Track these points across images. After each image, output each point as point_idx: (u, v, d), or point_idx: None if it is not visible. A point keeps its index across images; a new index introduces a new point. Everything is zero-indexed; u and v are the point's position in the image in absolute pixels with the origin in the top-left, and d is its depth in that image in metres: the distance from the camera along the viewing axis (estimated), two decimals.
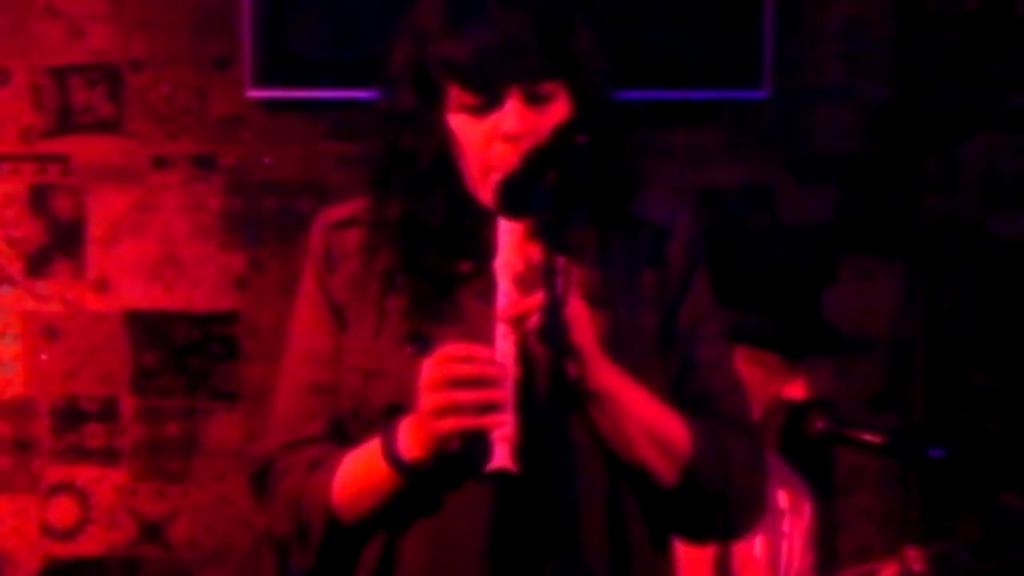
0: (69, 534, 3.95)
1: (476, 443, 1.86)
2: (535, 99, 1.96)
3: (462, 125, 1.98)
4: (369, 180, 2.07)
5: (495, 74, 1.94)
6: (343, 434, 2.05)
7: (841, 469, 3.87)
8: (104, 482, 3.94)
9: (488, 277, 1.90)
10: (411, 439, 1.92)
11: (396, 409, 1.96)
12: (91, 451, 3.94)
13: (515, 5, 1.94)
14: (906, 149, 3.89)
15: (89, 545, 3.94)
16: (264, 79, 3.84)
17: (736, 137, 3.90)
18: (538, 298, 1.82)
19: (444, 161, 2.01)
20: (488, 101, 1.96)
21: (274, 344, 2.29)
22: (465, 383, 1.85)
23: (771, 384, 2.90)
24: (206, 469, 3.93)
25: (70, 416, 3.94)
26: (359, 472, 1.99)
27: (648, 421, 1.96)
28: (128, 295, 3.94)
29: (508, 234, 1.90)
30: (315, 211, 2.16)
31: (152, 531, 3.94)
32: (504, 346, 1.86)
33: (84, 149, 3.95)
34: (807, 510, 2.98)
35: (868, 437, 2.94)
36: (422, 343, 1.97)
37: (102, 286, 3.95)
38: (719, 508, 2.02)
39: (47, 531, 3.95)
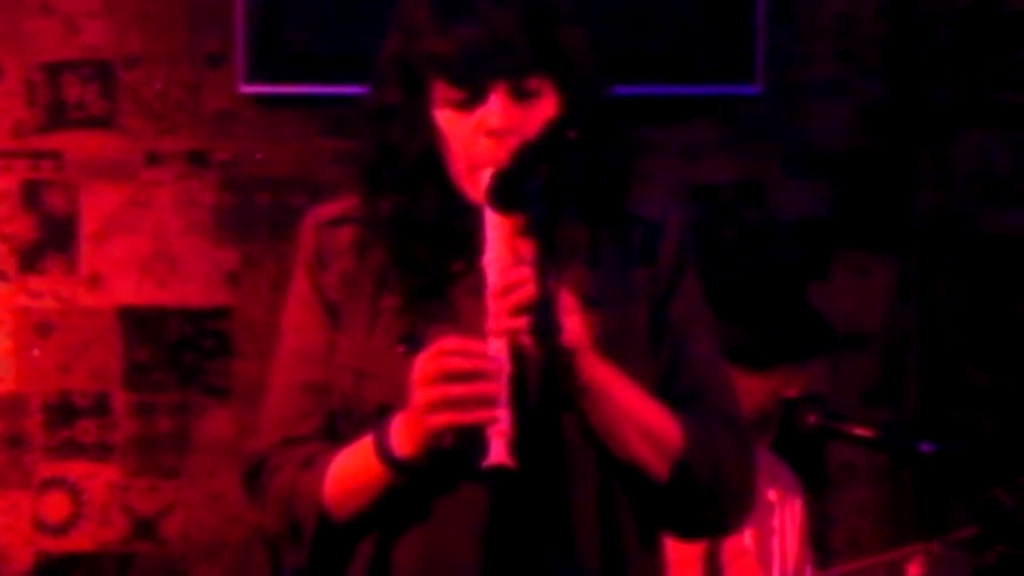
0: (61, 530, 3.95)
1: (469, 440, 1.85)
2: (521, 94, 1.95)
3: (448, 121, 1.98)
4: (359, 177, 2.06)
5: (479, 69, 1.93)
6: (336, 433, 2.04)
7: (834, 464, 3.88)
8: (97, 478, 3.94)
9: (479, 274, 1.90)
10: (404, 435, 1.92)
11: (387, 409, 1.95)
12: (84, 447, 3.94)
13: (501, 1, 1.93)
14: (899, 145, 3.89)
15: (82, 541, 3.94)
16: (257, 75, 3.83)
17: (729, 133, 3.90)
18: (525, 289, 1.81)
19: (433, 157, 2.00)
20: (473, 96, 1.95)
21: (267, 340, 2.29)
22: (459, 377, 1.84)
23: (772, 388, 2.91)
24: (199, 465, 3.93)
25: (63, 412, 3.94)
26: (351, 469, 1.98)
27: (640, 416, 1.96)
28: (121, 291, 3.94)
29: (496, 229, 1.89)
30: (308, 207, 2.16)
31: (145, 527, 3.94)
32: (496, 341, 1.85)
33: (77, 145, 3.95)
34: (798, 504, 2.99)
35: (859, 432, 2.94)
36: (414, 343, 1.96)
37: (95, 282, 3.95)
38: (709, 504, 2.02)
39: (40, 526, 3.95)
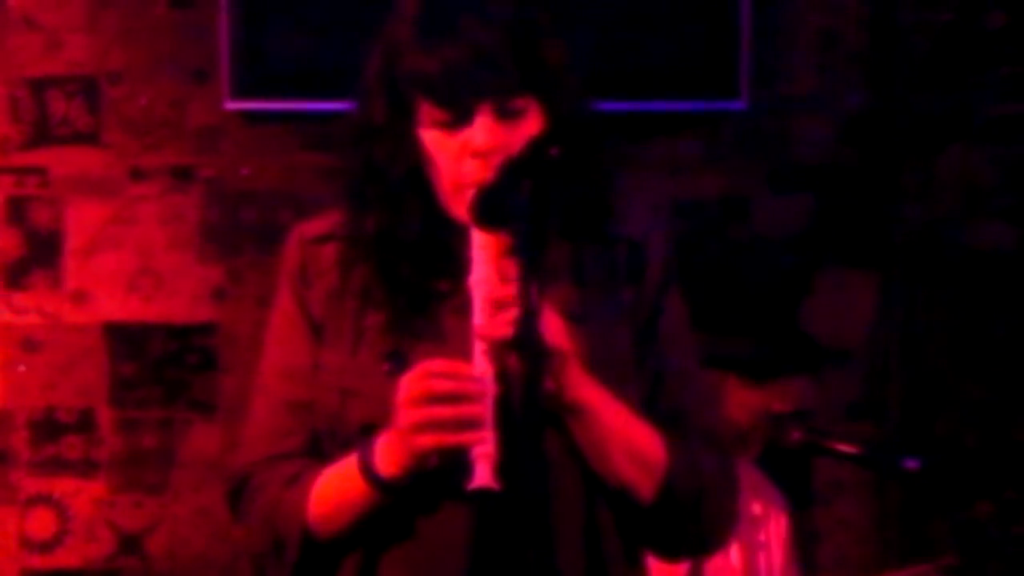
0: (47, 546, 3.94)
1: (454, 460, 1.85)
2: (506, 114, 1.95)
3: (433, 140, 1.98)
4: (344, 194, 2.06)
5: (464, 90, 1.93)
6: (320, 450, 2.04)
7: (820, 480, 3.88)
8: (82, 494, 3.93)
9: (466, 294, 1.90)
10: (388, 455, 1.92)
11: (372, 428, 1.95)
12: (69, 463, 3.93)
13: (486, 19, 1.93)
14: (882, 159, 3.90)
15: (67, 557, 3.93)
16: (242, 91, 3.83)
17: (713, 148, 3.91)
18: (512, 313, 1.81)
19: (418, 176, 2.00)
20: (458, 117, 1.95)
21: (252, 355, 2.28)
22: (444, 399, 1.84)
23: (760, 403, 2.92)
24: (184, 481, 3.92)
25: (48, 428, 3.93)
26: (336, 488, 1.98)
27: (625, 435, 1.96)
28: (106, 307, 3.94)
29: (482, 250, 1.89)
30: (293, 222, 2.16)
31: (130, 543, 3.93)
32: (482, 362, 1.85)
33: (62, 161, 3.94)
34: (783, 519, 2.99)
35: (844, 448, 2.95)
36: (399, 362, 1.96)
37: (80, 298, 3.94)
38: (692, 523, 2.02)
39: (25, 543, 3.94)
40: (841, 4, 3.90)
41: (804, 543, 3.48)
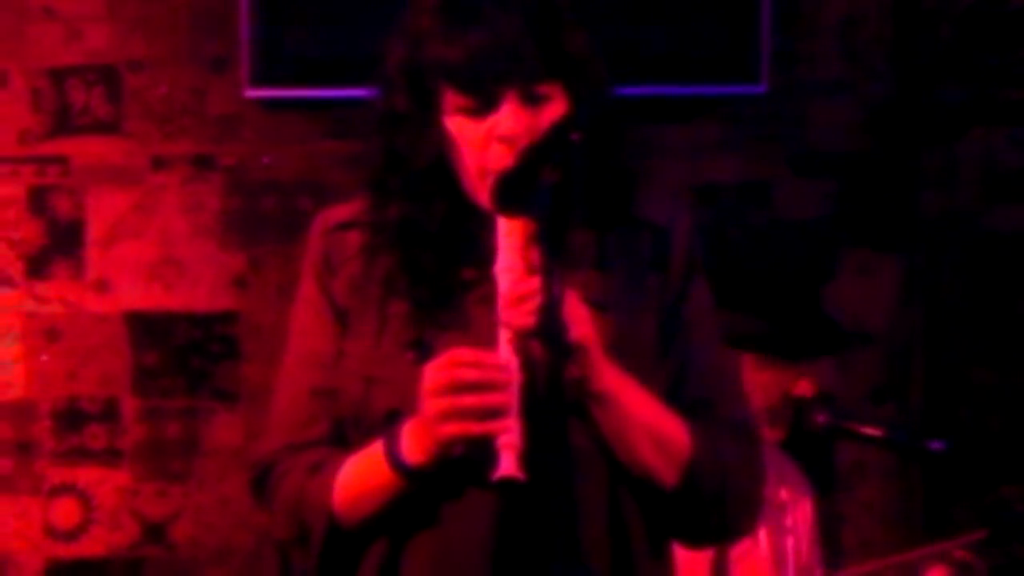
0: (72, 535, 3.95)
1: (480, 448, 1.84)
2: (531, 100, 1.95)
3: (458, 127, 1.97)
4: (367, 183, 2.06)
5: (490, 77, 1.93)
6: (344, 438, 2.04)
7: (843, 463, 3.88)
8: (106, 483, 3.95)
9: (491, 283, 1.89)
10: (414, 443, 1.92)
11: (396, 415, 1.95)
12: (93, 452, 3.95)
13: (509, 6, 1.93)
14: (904, 144, 3.89)
15: (92, 546, 3.95)
16: (262, 79, 3.84)
17: (734, 133, 3.90)
18: (537, 302, 1.81)
19: (442, 164, 2.00)
20: (483, 104, 1.95)
21: (274, 343, 2.28)
22: (469, 388, 1.84)
23: (779, 384, 2.91)
24: (208, 469, 3.93)
25: (71, 417, 3.95)
26: (361, 475, 1.98)
27: (649, 423, 1.96)
28: (128, 296, 3.95)
29: (508, 237, 1.89)
30: (314, 210, 2.15)
31: (154, 532, 3.94)
32: (507, 351, 1.84)
33: (83, 150, 3.95)
34: (808, 504, 2.99)
35: (868, 431, 2.94)
36: (423, 350, 1.96)
37: (102, 287, 3.95)
38: (717, 511, 2.02)
39: (50, 532, 3.95)
40: None
41: (828, 526, 3.48)
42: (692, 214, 2.11)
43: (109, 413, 3.95)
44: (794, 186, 3.90)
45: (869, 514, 3.90)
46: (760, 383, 2.91)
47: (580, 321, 1.87)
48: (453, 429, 1.86)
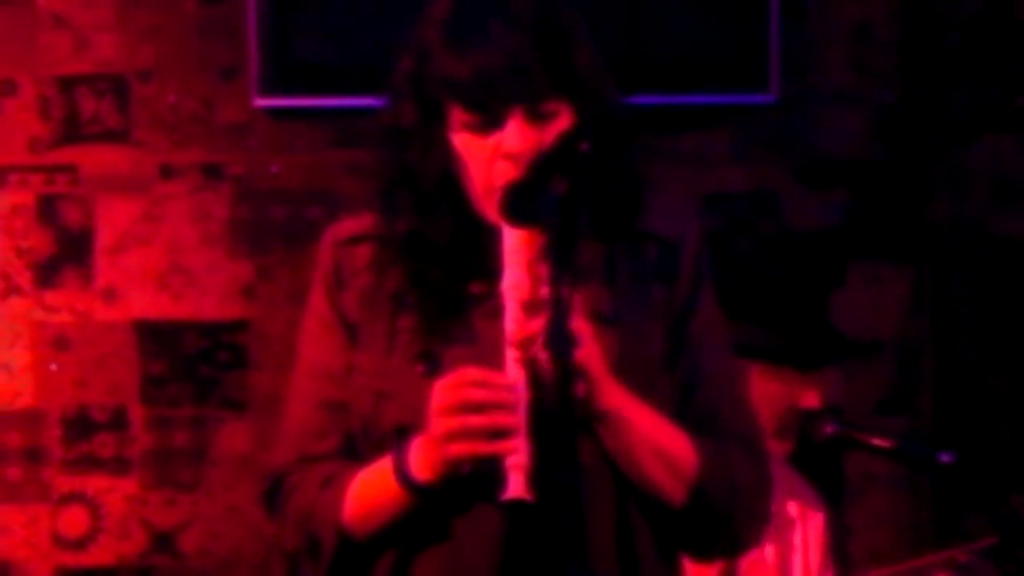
0: (80, 544, 3.96)
1: (488, 466, 1.85)
2: (537, 117, 1.95)
3: (465, 143, 1.98)
4: (376, 197, 2.06)
5: (496, 95, 1.93)
6: (354, 451, 2.05)
7: (852, 474, 3.87)
8: (115, 492, 3.95)
9: (499, 297, 1.89)
10: (422, 460, 1.92)
11: (406, 430, 1.96)
12: (101, 461, 3.95)
13: (516, 23, 1.93)
14: (913, 152, 3.89)
15: (100, 555, 3.95)
16: (271, 88, 3.84)
17: (743, 142, 3.90)
18: (543, 319, 1.81)
19: (450, 179, 2.00)
20: (489, 121, 1.95)
21: (283, 352, 2.29)
22: (478, 408, 1.84)
23: (788, 396, 2.91)
24: (216, 478, 3.93)
25: (80, 426, 3.95)
26: (370, 490, 1.99)
27: (655, 440, 1.96)
28: (137, 304, 3.95)
29: (514, 252, 1.89)
30: (323, 219, 2.17)
31: (163, 540, 3.94)
32: (515, 370, 1.85)
33: (92, 159, 3.96)
34: (819, 519, 2.98)
35: (877, 442, 2.94)
36: (432, 363, 1.96)
37: (111, 296, 3.96)
38: (725, 526, 2.02)
39: (58, 541, 3.96)
40: None
41: (837, 537, 3.48)
42: (700, 226, 2.11)
43: (118, 422, 3.95)
44: (803, 195, 3.90)
45: (878, 524, 3.89)
46: (766, 393, 2.90)
47: (587, 342, 1.87)
48: (461, 449, 1.86)
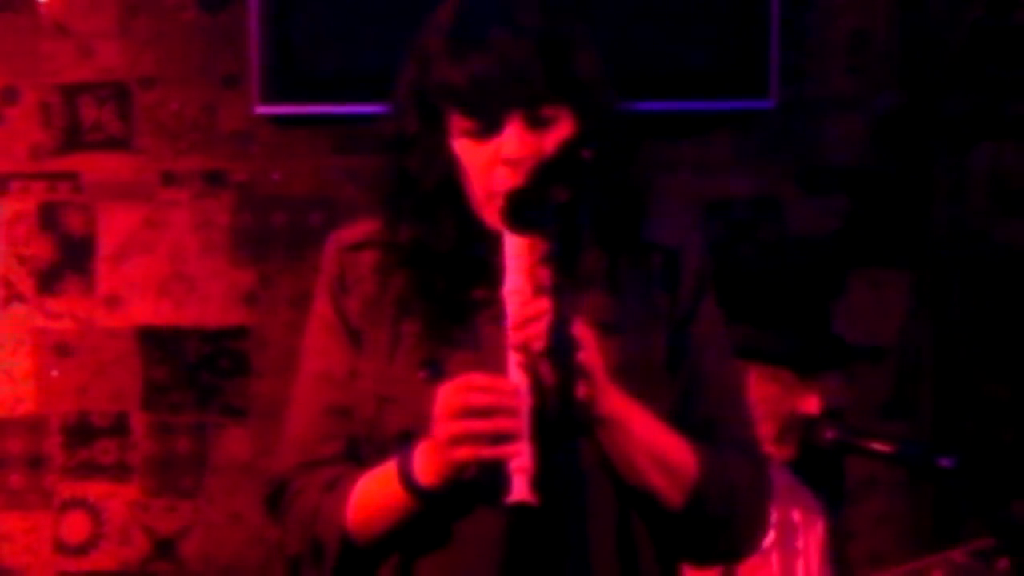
0: (82, 550, 3.96)
1: (492, 470, 1.86)
2: (537, 122, 1.96)
3: (465, 150, 1.99)
4: (380, 203, 2.07)
5: (493, 100, 1.94)
6: (358, 456, 2.06)
7: (852, 478, 3.88)
8: (116, 498, 3.95)
9: (502, 302, 1.90)
10: (426, 465, 1.93)
11: (409, 435, 1.97)
12: (103, 467, 3.95)
13: (516, 29, 1.93)
14: (914, 159, 3.90)
15: (102, 561, 3.95)
16: (273, 95, 3.84)
17: (743, 148, 3.90)
18: (544, 322, 1.82)
19: (451, 185, 2.01)
20: (488, 126, 1.96)
21: (284, 359, 2.29)
22: (481, 413, 1.85)
23: (787, 400, 2.91)
24: (218, 484, 3.94)
25: (82, 432, 3.96)
26: (374, 495, 1.99)
27: (655, 446, 1.97)
28: (138, 311, 3.96)
29: (516, 258, 1.90)
30: (324, 226, 2.17)
31: (164, 547, 3.95)
32: (517, 374, 1.86)
33: (94, 166, 3.97)
34: (820, 527, 2.98)
35: (878, 446, 2.94)
36: (435, 369, 1.97)
37: (112, 302, 3.96)
38: (723, 531, 2.04)
39: (60, 547, 3.96)
40: (871, 3, 3.89)
41: (837, 542, 3.48)
42: (702, 234, 2.11)
43: (119, 428, 3.96)
44: (803, 201, 3.91)
45: (879, 528, 3.89)
46: (765, 397, 2.91)
47: (588, 347, 1.88)
48: (465, 453, 1.87)
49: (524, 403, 1.85)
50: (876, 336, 3.88)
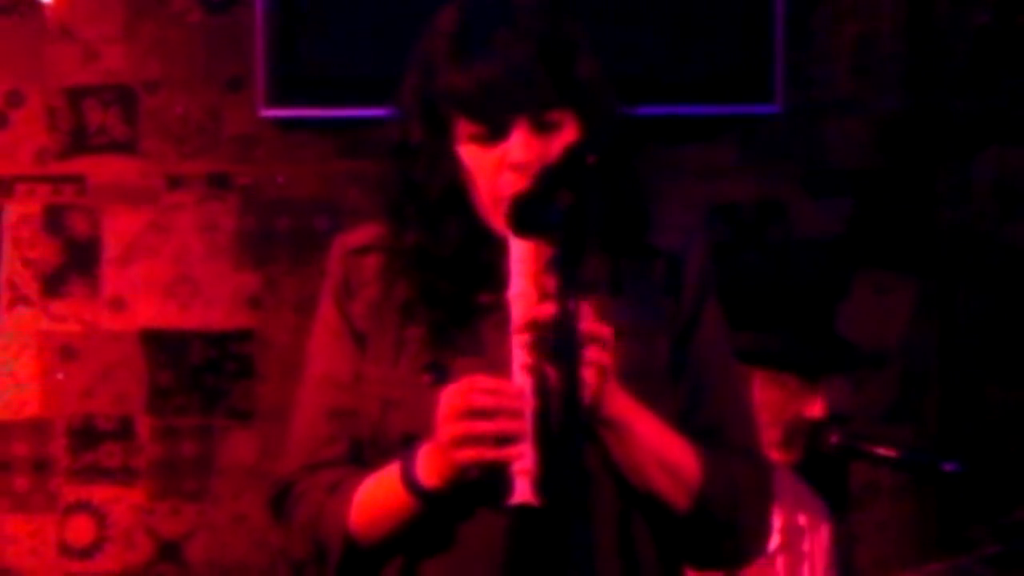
0: (86, 553, 3.96)
1: (495, 472, 1.86)
2: (542, 127, 1.96)
3: (471, 155, 1.99)
4: (384, 210, 2.08)
5: (499, 105, 1.94)
6: (361, 459, 2.06)
7: (857, 483, 3.87)
8: (121, 501, 3.95)
9: (506, 308, 1.90)
10: (430, 467, 1.93)
11: (413, 438, 1.97)
12: (108, 470, 3.96)
13: (520, 34, 1.94)
14: (918, 162, 3.89)
15: (106, 564, 3.96)
16: (277, 98, 3.85)
17: (749, 152, 3.90)
18: (549, 326, 1.83)
19: (456, 191, 2.01)
20: (494, 132, 1.96)
21: (289, 362, 2.30)
22: (485, 414, 1.86)
23: (792, 405, 2.90)
24: (222, 487, 3.94)
25: (87, 435, 3.96)
26: (378, 497, 2.00)
27: (660, 449, 1.97)
28: (143, 314, 3.96)
29: (521, 263, 1.90)
30: (329, 229, 2.18)
31: (169, 550, 3.95)
32: (521, 377, 1.86)
33: (99, 169, 3.97)
34: (826, 531, 2.98)
35: (882, 451, 2.94)
36: (439, 373, 1.98)
37: (118, 305, 3.97)
38: (727, 536, 2.04)
39: (65, 550, 3.96)
40: (877, 7, 3.89)
41: (842, 546, 3.48)
42: (706, 239, 2.12)
43: (124, 431, 3.96)
44: (809, 205, 3.90)
45: (883, 534, 3.89)
46: (769, 402, 2.90)
47: (593, 348, 1.88)
48: (469, 454, 1.87)
49: (528, 405, 1.85)
50: (880, 340, 3.88)
